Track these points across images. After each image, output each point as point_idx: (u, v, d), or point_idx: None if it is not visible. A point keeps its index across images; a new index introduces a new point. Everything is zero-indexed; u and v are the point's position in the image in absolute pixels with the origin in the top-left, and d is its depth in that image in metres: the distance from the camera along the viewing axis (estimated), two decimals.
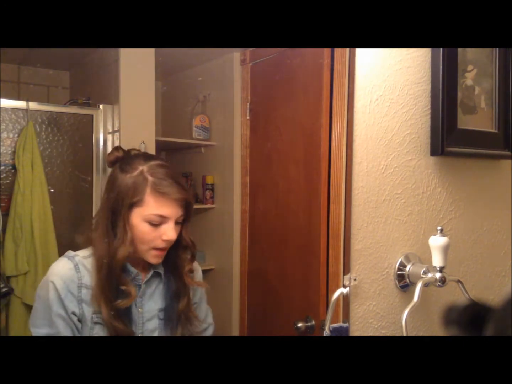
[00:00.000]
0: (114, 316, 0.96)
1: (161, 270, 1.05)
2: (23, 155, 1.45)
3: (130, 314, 1.00)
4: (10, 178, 1.46)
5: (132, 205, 0.96)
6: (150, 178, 0.96)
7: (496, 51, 1.44)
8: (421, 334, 1.34)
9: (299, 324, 1.34)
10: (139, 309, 1.02)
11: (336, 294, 1.17)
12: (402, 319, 1.12)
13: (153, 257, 0.99)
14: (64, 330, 0.95)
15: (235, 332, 1.82)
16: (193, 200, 1.02)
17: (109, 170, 1.05)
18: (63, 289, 0.95)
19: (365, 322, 1.25)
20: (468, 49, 1.39)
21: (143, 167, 0.97)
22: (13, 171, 1.46)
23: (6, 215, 1.44)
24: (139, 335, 1.02)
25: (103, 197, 1.02)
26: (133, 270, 1.02)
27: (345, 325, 1.19)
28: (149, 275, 1.04)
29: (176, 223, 0.99)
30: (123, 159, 1.02)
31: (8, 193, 1.45)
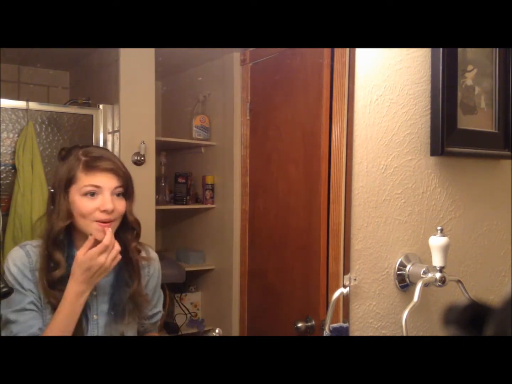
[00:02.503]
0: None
1: None
2: (23, 155, 1.45)
3: None
4: (10, 178, 1.46)
5: (68, 184, 1.04)
6: (83, 158, 1.05)
7: (496, 51, 1.44)
8: (421, 334, 1.34)
9: (299, 324, 1.34)
10: (93, 292, 1.08)
11: (336, 294, 1.17)
12: (402, 319, 1.12)
13: (97, 231, 1.03)
14: (28, 305, 1.03)
15: (235, 332, 1.82)
16: (129, 173, 1.10)
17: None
18: (18, 274, 1.04)
19: (365, 322, 1.25)
20: (468, 49, 1.39)
21: (79, 152, 1.07)
22: (13, 171, 1.46)
23: (6, 215, 1.44)
24: (94, 316, 1.08)
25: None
26: None
27: (345, 325, 1.19)
28: None
29: (117, 195, 1.06)
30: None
31: (8, 193, 1.45)
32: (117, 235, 1.07)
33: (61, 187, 1.05)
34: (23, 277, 1.03)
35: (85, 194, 1.03)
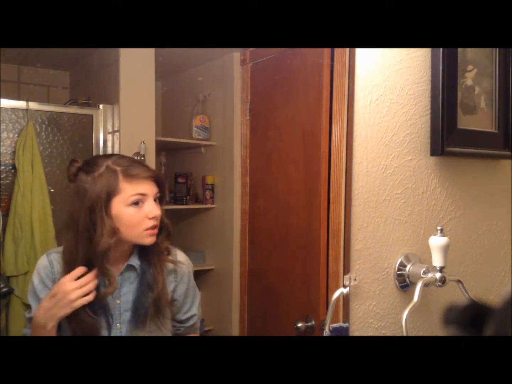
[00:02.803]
0: (86, 307, 0.99)
1: (135, 263, 1.07)
2: (23, 155, 1.45)
3: (106, 305, 1.03)
4: (10, 178, 1.46)
5: (110, 197, 0.99)
6: (118, 168, 1.00)
7: (496, 51, 1.44)
8: (421, 334, 1.34)
9: (299, 324, 1.34)
10: (117, 301, 1.06)
11: (336, 294, 1.17)
12: (402, 319, 1.12)
13: (148, 237, 1.03)
14: None
15: (235, 332, 1.82)
16: (163, 177, 1.10)
17: None
18: (39, 284, 1.04)
19: (365, 322, 1.25)
20: (468, 49, 1.39)
21: (107, 162, 1.01)
22: (13, 171, 1.46)
23: (6, 215, 1.44)
24: (117, 325, 1.05)
25: (74, 204, 1.02)
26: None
27: (345, 325, 1.19)
28: (122, 268, 1.07)
29: (154, 200, 1.04)
30: (83, 166, 1.04)
31: (8, 193, 1.45)
32: None
33: (100, 202, 0.98)
34: (44, 287, 1.03)
35: (131, 204, 1.00)
